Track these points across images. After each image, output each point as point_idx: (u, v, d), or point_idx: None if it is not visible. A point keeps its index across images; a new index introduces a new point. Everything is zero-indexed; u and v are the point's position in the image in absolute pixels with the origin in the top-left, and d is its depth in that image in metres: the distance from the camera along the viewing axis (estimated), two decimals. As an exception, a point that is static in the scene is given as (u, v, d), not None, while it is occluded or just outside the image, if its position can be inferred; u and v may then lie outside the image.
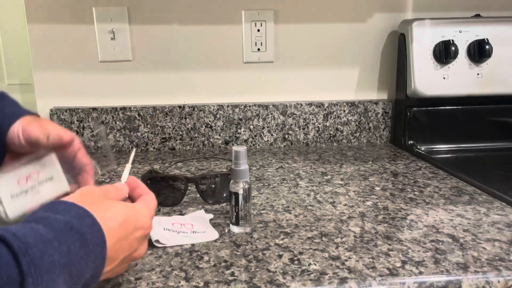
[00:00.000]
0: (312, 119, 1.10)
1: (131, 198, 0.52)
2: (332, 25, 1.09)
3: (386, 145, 1.11)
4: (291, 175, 0.87)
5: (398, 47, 1.06)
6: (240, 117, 1.08)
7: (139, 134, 1.06)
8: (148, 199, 0.51)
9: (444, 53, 0.98)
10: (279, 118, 1.09)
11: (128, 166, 0.56)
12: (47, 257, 0.34)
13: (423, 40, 1.00)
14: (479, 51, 0.99)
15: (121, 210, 0.45)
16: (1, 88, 0.58)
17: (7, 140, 0.54)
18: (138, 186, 0.53)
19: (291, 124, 1.10)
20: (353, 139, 1.12)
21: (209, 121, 1.08)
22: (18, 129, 0.54)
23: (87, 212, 0.40)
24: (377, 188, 0.80)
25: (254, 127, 1.09)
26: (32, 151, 0.55)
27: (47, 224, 0.36)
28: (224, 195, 0.72)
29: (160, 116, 1.06)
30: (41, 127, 0.53)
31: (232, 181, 0.61)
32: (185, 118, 1.07)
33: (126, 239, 0.44)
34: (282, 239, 0.60)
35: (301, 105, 1.09)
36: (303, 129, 1.10)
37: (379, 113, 1.12)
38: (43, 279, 0.33)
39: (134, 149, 0.56)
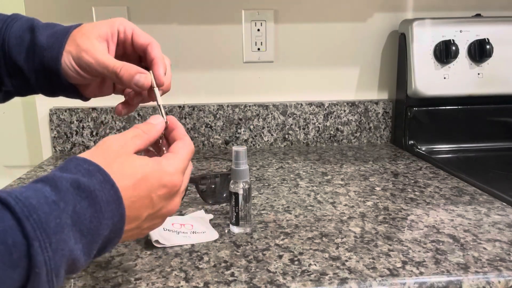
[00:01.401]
0: (312, 119, 1.10)
1: (168, 142, 0.49)
2: (332, 25, 1.09)
3: (386, 145, 1.11)
4: (291, 175, 0.87)
5: (399, 47, 1.06)
6: (240, 117, 1.08)
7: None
8: (179, 148, 0.46)
9: (444, 53, 0.98)
10: (279, 118, 1.09)
11: (156, 89, 0.50)
12: (53, 219, 0.32)
13: (423, 40, 0.99)
14: (480, 51, 0.98)
15: (140, 166, 0.41)
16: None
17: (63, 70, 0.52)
18: (175, 128, 0.48)
19: (291, 124, 1.10)
20: (354, 139, 1.12)
21: (209, 121, 1.07)
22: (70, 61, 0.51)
23: (98, 168, 0.38)
24: (378, 188, 0.79)
25: (254, 127, 1.09)
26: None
27: (53, 184, 0.35)
28: (224, 195, 0.72)
29: (160, 116, 1.06)
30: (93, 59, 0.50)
31: (232, 181, 0.61)
32: (185, 118, 1.07)
33: (147, 197, 0.41)
34: (282, 239, 0.60)
35: (301, 105, 1.09)
36: (303, 129, 1.10)
37: (379, 113, 1.11)
38: (51, 242, 0.32)
39: (150, 72, 0.51)
